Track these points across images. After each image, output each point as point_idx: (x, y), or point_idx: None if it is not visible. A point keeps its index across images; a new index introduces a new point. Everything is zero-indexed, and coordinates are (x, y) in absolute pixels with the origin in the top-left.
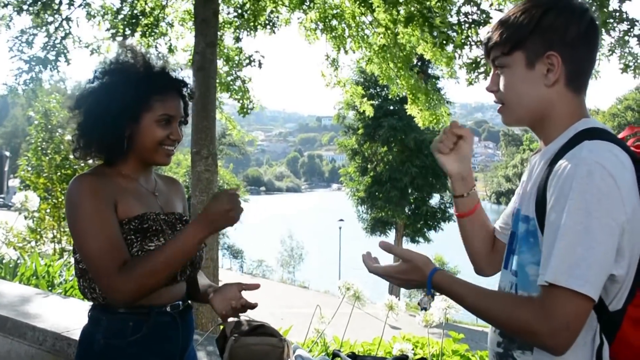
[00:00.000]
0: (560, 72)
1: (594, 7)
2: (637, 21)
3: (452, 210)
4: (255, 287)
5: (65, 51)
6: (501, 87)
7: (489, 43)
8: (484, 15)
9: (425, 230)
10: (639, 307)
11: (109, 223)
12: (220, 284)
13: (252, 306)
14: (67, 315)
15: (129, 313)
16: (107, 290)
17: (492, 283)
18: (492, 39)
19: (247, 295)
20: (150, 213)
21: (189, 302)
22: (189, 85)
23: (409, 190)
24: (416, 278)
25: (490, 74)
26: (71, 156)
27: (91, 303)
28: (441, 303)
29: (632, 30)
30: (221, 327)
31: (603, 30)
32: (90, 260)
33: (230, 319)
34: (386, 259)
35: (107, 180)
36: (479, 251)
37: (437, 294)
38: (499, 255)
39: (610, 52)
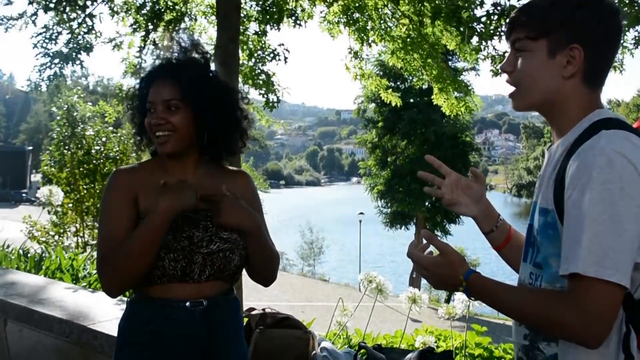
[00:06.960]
0: (580, 66)
1: (622, 5)
2: None
3: None
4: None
5: (88, 45)
6: (517, 69)
7: (514, 24)
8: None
9: (446, 222)
10: None
11: (118, 216)
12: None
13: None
14: (93, 308)
15: (143, 302)
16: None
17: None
18: (518, 20)
19: (272, 290)
20: None
21: (227, 298)
22: (184, 67)
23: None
24: (447, 273)
25: (507, 55)
26: (93, 150)
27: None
28: (464, 295)
29: None
30: (245, 319)
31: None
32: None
33: (255, 312)
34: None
35: (137, 174)
36: None
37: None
38: None
39: (636, 46)
